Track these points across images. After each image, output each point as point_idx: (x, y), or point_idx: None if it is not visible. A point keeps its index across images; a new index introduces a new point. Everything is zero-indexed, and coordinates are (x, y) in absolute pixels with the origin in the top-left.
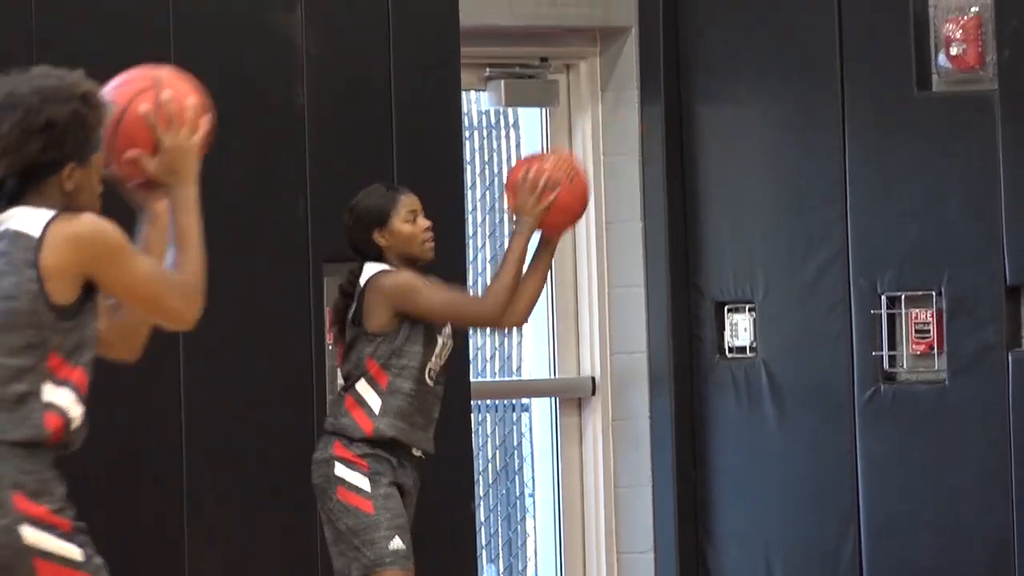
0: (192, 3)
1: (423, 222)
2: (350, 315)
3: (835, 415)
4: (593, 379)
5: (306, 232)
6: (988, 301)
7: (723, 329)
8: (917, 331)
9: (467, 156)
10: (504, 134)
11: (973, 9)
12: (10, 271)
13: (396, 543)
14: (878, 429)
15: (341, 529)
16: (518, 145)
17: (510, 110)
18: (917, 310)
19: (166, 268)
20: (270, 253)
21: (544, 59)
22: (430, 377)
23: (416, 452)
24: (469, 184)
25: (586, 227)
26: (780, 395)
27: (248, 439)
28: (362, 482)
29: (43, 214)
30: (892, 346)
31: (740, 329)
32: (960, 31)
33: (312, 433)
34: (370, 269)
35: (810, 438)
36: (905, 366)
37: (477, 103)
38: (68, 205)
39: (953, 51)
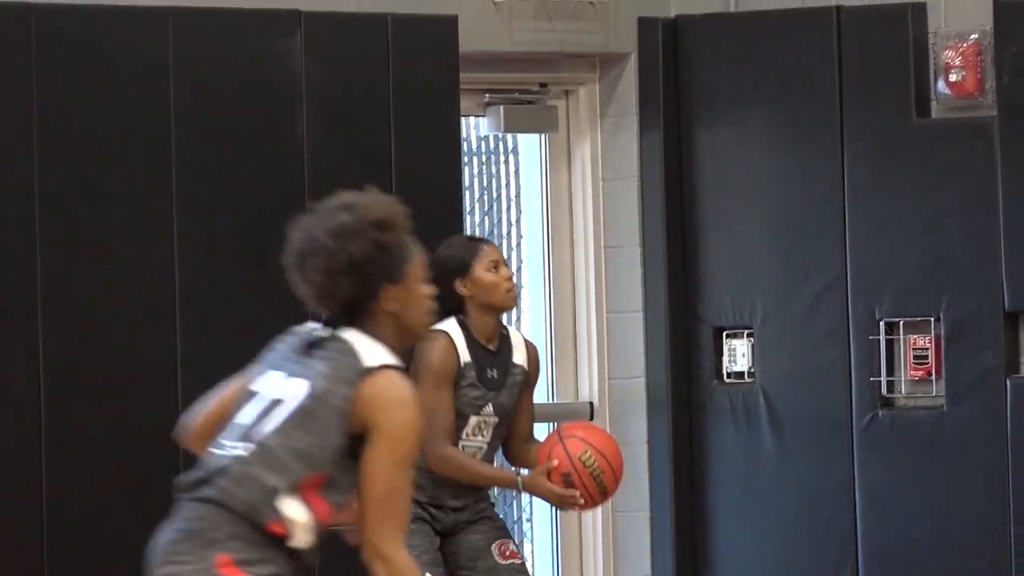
0: (191, 31)
1: (505, 271)
2: None
3: (833, 441)
4: (591, 404)
5: None
6: (987, 327)
7: (721, 355)
8: (915, 357)
9: (466, 181)
10: (503, 159)
11: (972, 36)
12: (330, 375)
13: None
14: (876, 454)
15: None
16: (517, 170)
17: (509, 136)
18: (915, 336)
19: (407, 500)
20: (269, 278)
21: (543, 85)
22: (466, 452)
23: (452, 503)
24: (468, 210)
25: (584, 252)
26: (778, 421)
27: None
28: None
29: (379, 353)
30: (890, 372)
31: (738, 355)
32: (959, 58)
33: None
34: (425, 344)
35: (808, 464)
36: (903, 392)
37: (476, 129)
38: (398, 325)
39: (952, 78)
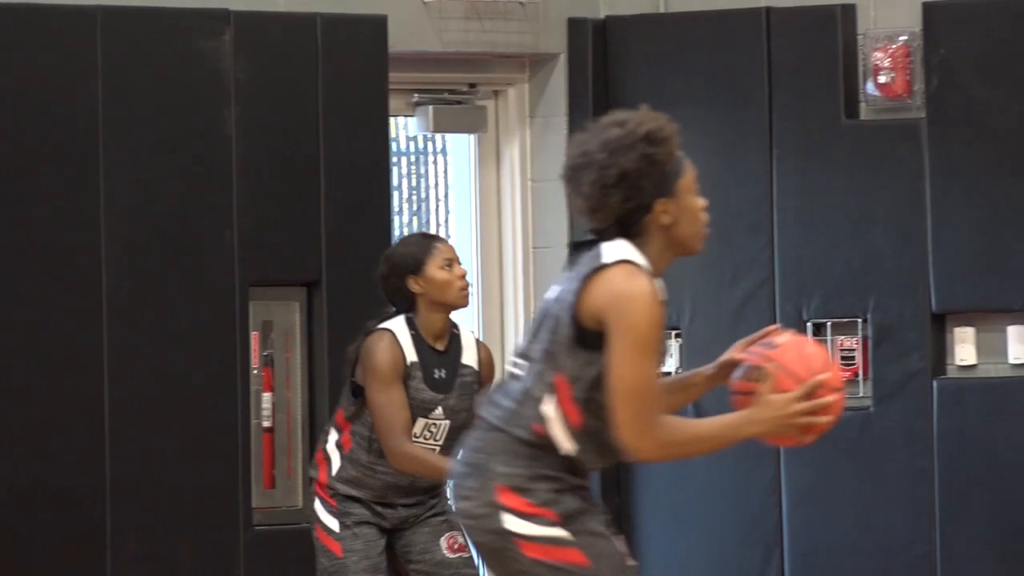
0: (120, 30)
1: (459, 270)
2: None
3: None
4: None
5: (233, 257)
6: (914, 328)
7: None
8: (842, 358)
9: (395, 181)
10: (432, 160)
11: (901, 38)
12: (572, 279)
13: None
14: (803, 455)
15: (319, 568)
16: (446, 171)
17: (438, 136)
18: (843, 337)
19: (652, 392)
20: (197, 277)
21: (472, 85)
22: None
23: (403, 501)
24: (397, 209)
25: (513, 252)
26: None
27: (172, 462)
28: (332, 522)
29: (624, 249)
30: None
31: (667, 355)
32: (888, 59)
33: (236, 455)
34: (370, 343)
35: (735, 464)
36: None
37: (405, 129)
38: (671, 237)
39: (881, 79)
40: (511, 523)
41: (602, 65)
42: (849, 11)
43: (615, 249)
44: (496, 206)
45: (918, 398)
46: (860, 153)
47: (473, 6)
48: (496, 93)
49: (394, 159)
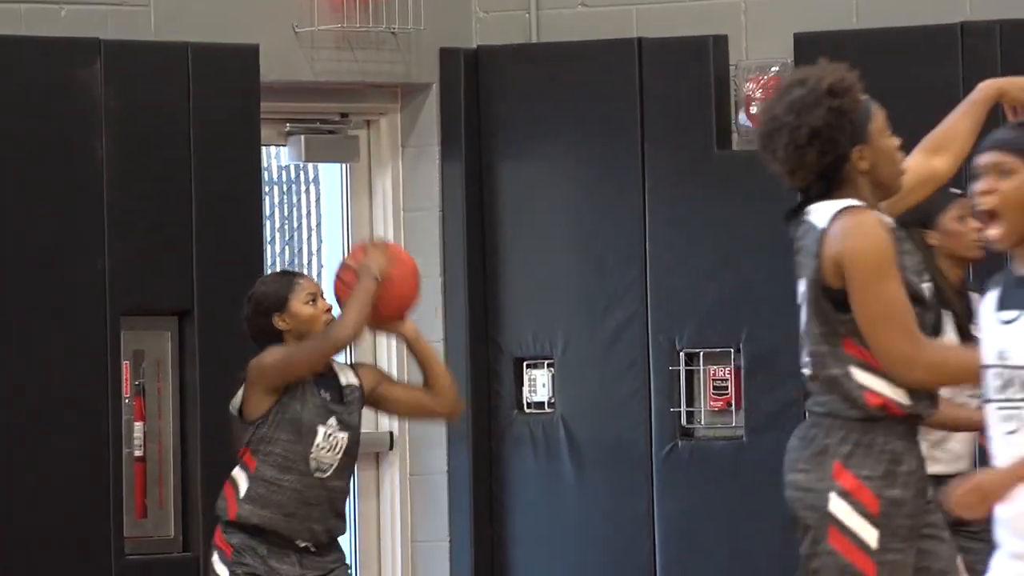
0: None
1: (323, 303)
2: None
3: (633, 471)
4: (391, 433)
5: (104, 286)
6: (786, 358)
7: (522, 385)
8: (715, 387)
9: (267, 211)
10: (304, 189)
11: (773, 68)
12: (806, 262)
13: None
14: (676, 485)
15: None
16: (318, 200)
17: (310, 165)
18: (715, 367)
19: (906, 313)
20: (68, 306)
21: (344, 115)
22: (318, 469)
23: (300, 543)
24: (269, 239)
25: None
26: (578, 451)
27: (43, 491)
28: (223, 572)
29: (833, 206)
30: (690, 403)
31: (539, 385)
32: (760, 90)
33: (107, 484)
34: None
35: (608, 494)
36: (703, 422)
37: (277, 158)
38: (873, 181)
39: (753, 110)
40: (835, 505)
41: (474, 95)
42: (721, 42)
43: (825, 210)
44: (369, 235)
45: (791, 428)
46: (732, 184)
47: (345, 36)
48: (368, 123)
49: (266, 188)
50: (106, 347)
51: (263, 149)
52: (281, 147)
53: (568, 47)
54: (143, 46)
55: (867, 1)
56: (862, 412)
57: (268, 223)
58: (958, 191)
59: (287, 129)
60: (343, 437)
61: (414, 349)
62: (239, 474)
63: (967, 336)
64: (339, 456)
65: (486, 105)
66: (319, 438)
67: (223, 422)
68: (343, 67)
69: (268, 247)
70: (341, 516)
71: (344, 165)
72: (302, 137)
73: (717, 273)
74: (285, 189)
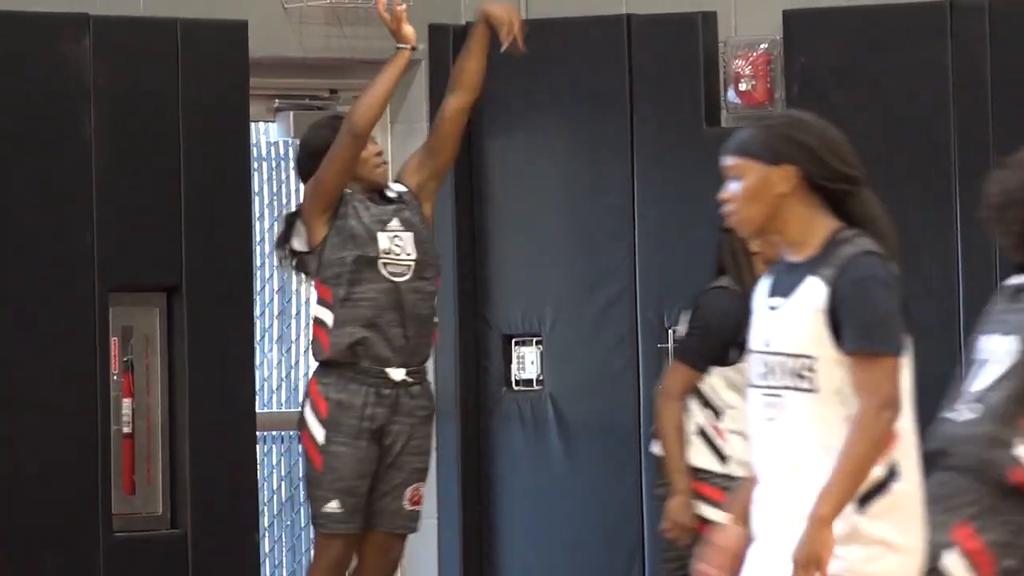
0: None
1: (373, 147)
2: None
3: (622, 448)
4: None
5: (92, 261)
6: None
7: (510, 362)
8: None
9: (255, 187)
10: (292, 165)
11: (762, 46)
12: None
13: (332, 506)
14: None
15: (303, 474)
16: None
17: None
18: None
19: None
20: (56, 282)
21: (333, 91)
22: (393, 274)
23: (396, 375)
24: (258, 215)
25: None
26: (566, 428)
27: (31, 468)
28: (319, 432)
29: None
30: None
31: (527, 362)
32: (749, 67)
33: (95, 461)
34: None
35: (597, 471)
36: None
37: (266, 134)
38: None
39: (742, 87)
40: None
41: None
42: (710, 19)
43: None
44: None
45: None
46: (721, 161)
47: (334, 11)
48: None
49: (255, 164)
50: (94, 323)
51: (252, 125)
52: (270, 123)
53: (557, 24)
54: (132, 22)
55: None
56: (999, 481)
57: (257, 199)
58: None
59: (276, 105)
60: (409, 237)
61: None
62: (320, 310)
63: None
64: (412, 259)
65: None
66: (383, 243)
67: (212, 399)
68: (332, 43)
69: (257, 223)
70: (429, 334)
71: None
72: (291, 113)
73: (705, 250)
74: (274, 165)
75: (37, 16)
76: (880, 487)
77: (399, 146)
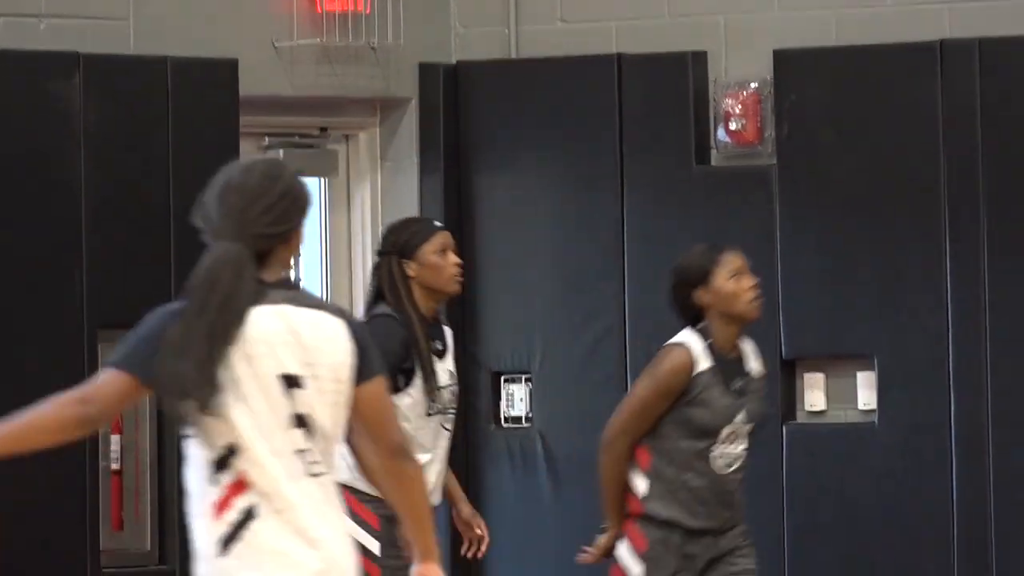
0: None
1: (746, 280)
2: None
3: None
4: None
5: (81, 299)
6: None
7: (499, 399)
8: None
9: None
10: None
11: (752, 85)
12: None
13: None
14: None
15: None
16: None
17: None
18: None
19: None
20: (45, 319)
21: (323, 129)
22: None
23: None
24: None
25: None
26: (555, 465)
27: (20, 503)
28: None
29: None
30: None
31: (516, 399)
32: (739, 106)
33: (84, 497)
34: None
35: (585, 509)
36: None
37: None
38: None
39: (732, 126)
40: None
41: (453, 110)
42: (700, 58)
43: None
44: (347, 250)
45: (768, 444)
46: (711, 199)
47: (324, 50)
48: (347, 137)
49: None
50: (83, 360)
51: None
52: None
53: (547, 63)
54: (122, 60)
55: (847, 18)
56: None
57: None
58: (440, 224)
59: (266, 143)
60: (747, 428)
61: None
62: (637, 476)
63: (431, 379)
64: (742, 449)
65: (465, 120)
66: (723, 435)
67: None
68: (322, 81)
69: None
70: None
71: (323, 179)
72: (281, 151)
73: None
74: None
75: (27, 54)
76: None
77: (388, 183)
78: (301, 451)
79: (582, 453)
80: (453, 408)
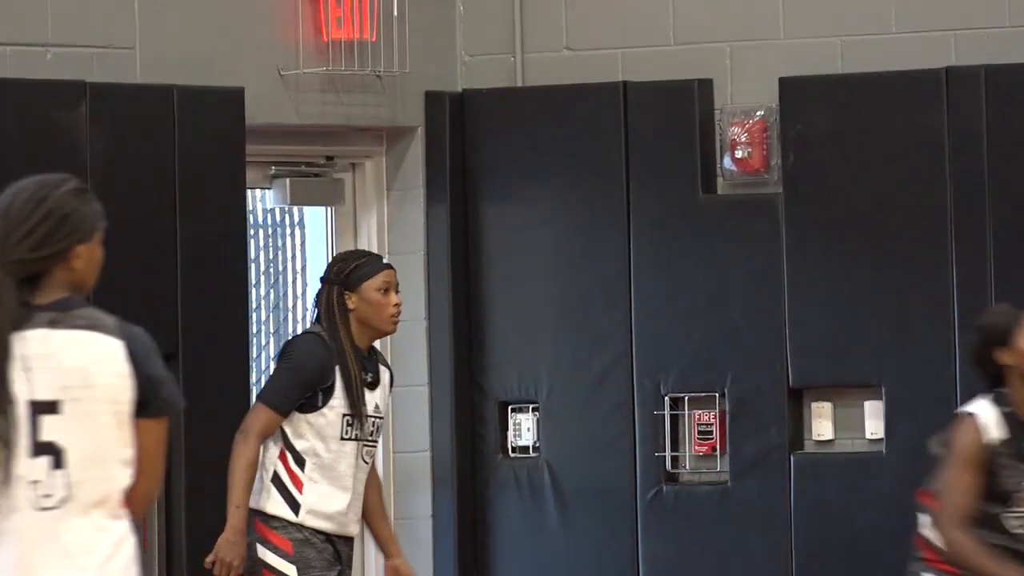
0: None
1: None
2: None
3: (618, 515)
4: None
5: None
6: (771, 403)
7: (506, 429)
8: (700, 432)
9: (252, 254)
10: (289, 232)
11: (758, 113)
12: None
13: None
14: (661, 529)
15: None
16: (303, 243)
17: (296, 208)
18: (700, 411)
19: None
20: None
21: (330, 158)
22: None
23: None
24: (254, 282)
25: None
26: (563, 495)
27: None
28: None
29: None
30: (675, 447)
31: (523, 429)
32: (745, 134)
33: None
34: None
35: (593, 538)
36: (688, 467)
37: (262, 201)
38: None
39: (738, 154)
40: None
41: (460, 138)
42: (706, 86)
43: None
44: None
45: (775, 473)
46: (717, 227)
47: (330, 79)
48: (353, 166)
49: (251, 231)
50: None
51: (248, 192)
52: (266, 190)
53: (553, 91)
54: (129, 89)
55: (852, 46)
56: None
57: (253, 266)
58: (387, 262)
59: (272, 172)
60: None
61: None
62: None
63: (357, 403)
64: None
65: (471, 148)
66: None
67: (208, 465)
68: (328, 110)
69: (253, 290)
70: None
71: (329, 208)
72: (287, 180)
73: (702, 317)
74: (270, 232)
75: (34, 83)
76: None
77: (395, 212)
78: (34, 482)
79: (590, 482)
80: (374, 441)
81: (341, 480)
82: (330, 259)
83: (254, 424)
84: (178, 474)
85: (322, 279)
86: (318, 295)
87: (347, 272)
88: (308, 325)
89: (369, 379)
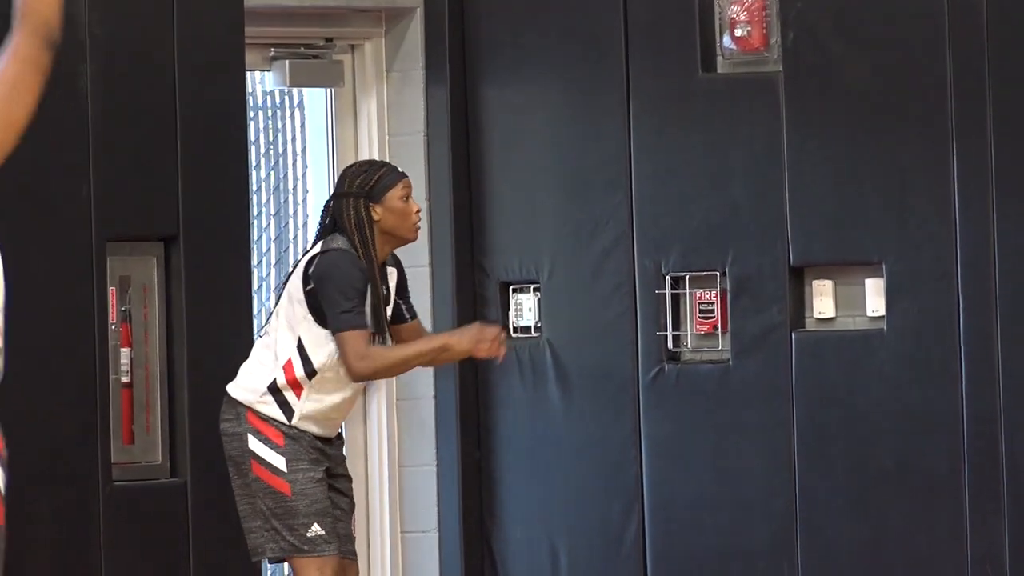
0: None
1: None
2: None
3: (620, 395)
4: None
5: (89, 212)
6: (772, 282)
7: (508, 309)
8: (701, 311)
9: (252, 136)
10: (289, 114)
11: None
12: None
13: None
14: (662, 409)
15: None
16: (303, 125)
17: (295, 90)
18: (701, 290)
19: None
20: (53, 233)
21: (329, 39)
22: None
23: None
24: (254, 164)
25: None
26: (565, 375)
27: (29, 418)
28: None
29: None
30: (676, 326)
31: (525, 309)
32: (745, 13)
33: (94, 411)
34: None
35: (595, 418)
36: (689, 346)
37: (262, 83)
38: None
39: (738, 33)
40: None
41: (459, 20)
42: None
43: None
44: (354, 160)
45: (777, 351)
46: (717, 107)
47: None
48: (353, 47)
49: (251, 114)
50: (92, 273)
51: (247, 74)
52: (266, 72)
53: None
54: None
55: None
56: None
57: (253, 148)
58: (403, 171)
59: (271, 54)
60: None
61: None
62: None
63: (381, 323)
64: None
65: (471, 29)
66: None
67: (210, 348)
68: None
69: (253, 172)
70: None
71: (329, 90)
72: (287, 62)
73: (702, 197)
74: (270, 114)
75: None
76: None
77: (394, 93)
78: None
79: (591, 362)
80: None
81: (341, 382)
82: (345, 172)
83: (359, 348)
84: (180, 355)
85: (341, 194)
86: (334, 210)
87: (371, 184)
88: (312, 238)
89: (385, 292)
